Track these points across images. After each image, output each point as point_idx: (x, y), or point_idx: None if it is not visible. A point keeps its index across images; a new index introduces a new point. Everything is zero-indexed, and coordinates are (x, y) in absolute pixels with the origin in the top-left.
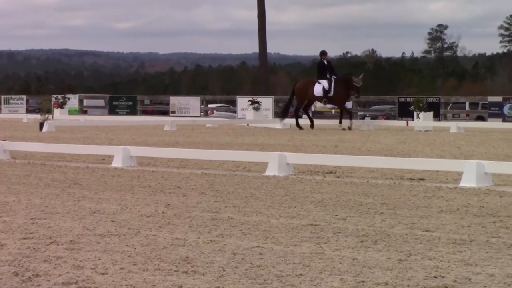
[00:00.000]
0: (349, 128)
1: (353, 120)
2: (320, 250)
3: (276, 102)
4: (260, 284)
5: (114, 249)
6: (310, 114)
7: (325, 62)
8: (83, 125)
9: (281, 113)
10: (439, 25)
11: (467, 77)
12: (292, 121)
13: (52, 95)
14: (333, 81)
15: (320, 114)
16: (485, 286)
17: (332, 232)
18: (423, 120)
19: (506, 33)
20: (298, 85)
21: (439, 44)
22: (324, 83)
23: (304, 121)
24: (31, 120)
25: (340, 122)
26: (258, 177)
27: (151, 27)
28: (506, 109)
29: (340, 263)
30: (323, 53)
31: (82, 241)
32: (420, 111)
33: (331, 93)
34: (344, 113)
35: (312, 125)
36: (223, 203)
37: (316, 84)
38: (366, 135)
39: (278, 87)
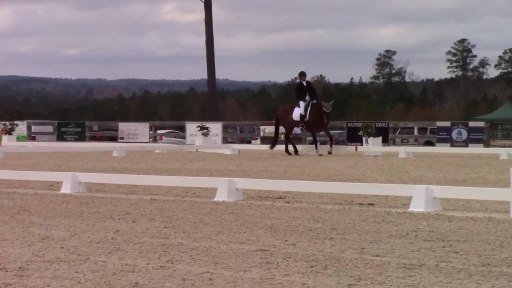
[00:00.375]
0: (321, 155)
1: (301, 146)
2: (270, 275)
3: (225, 128)
4: None
5: (63, 276)
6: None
7: (304, 84)
8: (32, 152)
9: (271, 143)
10: (387, 51)
11: (416, 102)
12: (241, 146)
13: (0, 122)
14: (310, 105)
15: (268, 140)
16: None
17: (282, 257)
18: (372, 145)
19: (454, 58)
20: (279, 114)
21: (387, 69)
22: (302, 107)
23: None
24: None
25: (331, 147)
26: (208, 202)
27: (100, 54)
28: (454, 134)
29: None
30: (302, 74)
31: (31, 267)
32: (369, 136)
33: (307, 118)
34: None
35: (292, 151)
36: (173, 229)
37: (295, 109)
38: (316, 160)
39: (226, 112)
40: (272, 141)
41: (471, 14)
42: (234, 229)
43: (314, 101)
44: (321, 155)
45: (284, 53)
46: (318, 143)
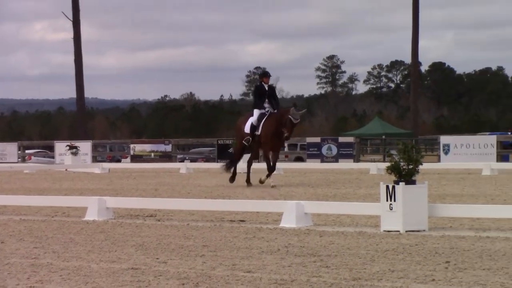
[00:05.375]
0: (261, 182)
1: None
2: None
3: (94, 147)
4: None
5: None
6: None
7: (266, 87)
8: None
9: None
10: (256, 68)
11: None
12: (111, 165)
13: None
14: (266, 115)
15: (139, 158)
16: None
17: (153, 276)
18: (243, 162)
19: (323, 74)
20: (238, 121)
21: None
22: (255, 116)
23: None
24: None
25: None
26: (78, 222)
27: None
28: (324, 150)
29: None
30: (264, 75)
31: None
32: None
33: (259, 131)
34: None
35: (269, 174)
36: (42, 249)
37: (250, 119)
38: (186, 177)
39: (96, 131)
40: (229, 161)
41: (341, 30)
42: (104, 248)
43: (275, 111)
44: (274, 186)
45: (154, 71)
46: (274, 170)
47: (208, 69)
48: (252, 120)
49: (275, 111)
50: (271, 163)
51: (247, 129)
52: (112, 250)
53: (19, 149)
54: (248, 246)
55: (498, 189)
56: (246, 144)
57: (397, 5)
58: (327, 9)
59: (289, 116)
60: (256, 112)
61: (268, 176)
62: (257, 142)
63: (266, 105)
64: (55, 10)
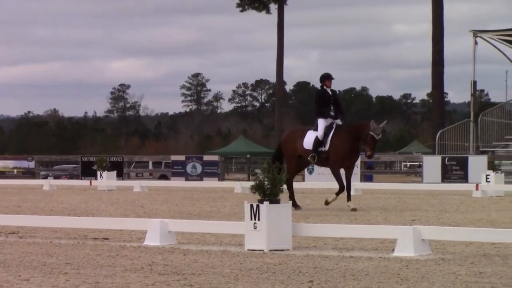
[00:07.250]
0: (354, 209)
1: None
2: None
3: None
4: None
5: None
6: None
7: (329, 92)
8: None
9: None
10: (121, 85)
11: (150, 136)
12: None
13: None
14: (334, 128)
15: (1, 174)
16: None
17: None
18: (107, 179)
19: (188, 92)
20: (285, 135)
21: (121, 103)
22: (321, 130)
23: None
24: None
25: (349, 199)
26: None
27: None
28: (189, 168)
29: None
30: (326, 77)
31: None
32: (103, 170)
33: (326, 147)
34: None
35: (295, 205)
36: None
37: (309, 132)
38: (50, 194)
39: None
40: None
41: (206, 48)
42: None
43: (339, 122)
44: (355, 209)
45: (17, 86)
46: (351, 191)
47: (72, 85)
48: (317, 134)
49: (339, 121)
50: (346, 181)
51: (307, 145)
52: None
53: None
54: (112, 264)
55: (362, 209)
56: (312, 161)
57: (263, 24)
58: (192, 26)
59: (370, 133)
60: (321, 124)
61: (337, 195)
62: (323, 159)
63: (332, 113)
64: None
